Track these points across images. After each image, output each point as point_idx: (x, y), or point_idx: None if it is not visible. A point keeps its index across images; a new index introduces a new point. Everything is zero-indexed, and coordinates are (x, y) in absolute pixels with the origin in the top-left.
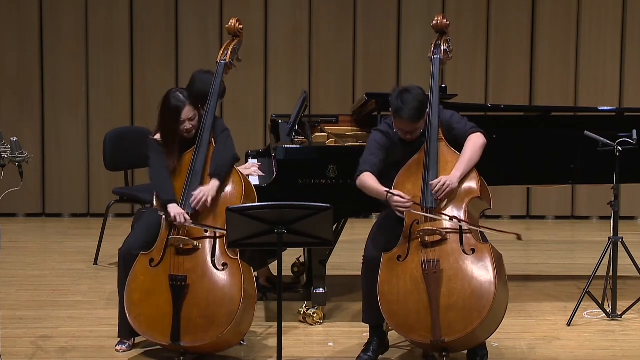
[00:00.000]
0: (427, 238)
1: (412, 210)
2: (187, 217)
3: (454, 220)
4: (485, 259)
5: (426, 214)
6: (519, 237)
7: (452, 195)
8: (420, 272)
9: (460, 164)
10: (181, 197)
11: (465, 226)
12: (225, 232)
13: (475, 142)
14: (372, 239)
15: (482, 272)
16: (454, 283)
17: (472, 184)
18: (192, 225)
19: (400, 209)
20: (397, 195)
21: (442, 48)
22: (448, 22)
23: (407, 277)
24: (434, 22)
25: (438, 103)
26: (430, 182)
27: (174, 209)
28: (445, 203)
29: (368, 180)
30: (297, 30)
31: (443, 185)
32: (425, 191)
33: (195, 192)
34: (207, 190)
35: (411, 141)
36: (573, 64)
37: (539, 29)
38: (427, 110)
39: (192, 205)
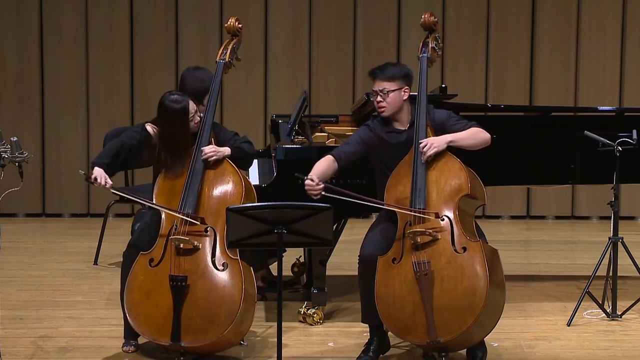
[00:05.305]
0: (418, 239)
1: (322, 192)
2: (109, 181)
3: (438, 216)
4: (477, 257)
5: (411, 212)
6: (436, 215)
7: (441, 195)
8: (413, 274)
9: (453, 135)
10: (181, 196)
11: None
12: (170, 211)
13: (476, 130)
14: (367, 239)
15: (473, 269)
16: (446, 283)
17: (459, 181)
18: (114, 191)
19: (312, 193)
20: (309, 179)
21: (430, 46)
22: (436, 19)
23: (402, 279)
24: (422, 19)
25: (426, 102)
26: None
27: (98, 171)
28: (435, 204)
29: (320, 161)
30: (297, 30)
31: (427, 146)
32: (414, 192)
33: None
34: (216, 147)
35: (399, 138)
36: (573, 64)
37: (539, 29)
38: (407, 85)
39: (201, 156)
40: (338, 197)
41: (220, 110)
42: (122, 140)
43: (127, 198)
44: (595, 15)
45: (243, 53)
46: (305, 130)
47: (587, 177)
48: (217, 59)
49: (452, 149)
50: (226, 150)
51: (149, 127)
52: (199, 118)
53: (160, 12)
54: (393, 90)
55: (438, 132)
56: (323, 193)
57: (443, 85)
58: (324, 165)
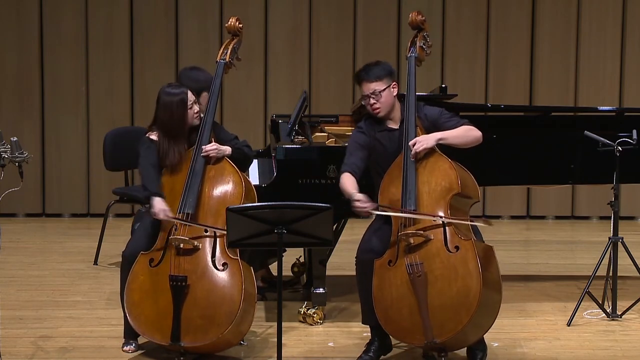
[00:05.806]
0: (412, 241)
1: (372, 211)
2: (170, 214)
3: (436, 217)
4: (469, 255)
5: (402, 214)
6: (487, 223)
7: (432, 195)
8: (407, 276)
9: (443, 132)
10: (181, 197)
11: (443, 220)
12: (218, 230)
13: (467, 127)
14: (364, 241)
15: (466, 269)
16: (440, 283)
17: (450, 180)
18: (174, 220)
19: (363, 213)
20: (357, 200)
21: (418, 45)
22: (424, 18)
23: (398, 282)
24: (409, 19)
25: (415, 102)
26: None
27: (157, 204)
28: (426, 204)
29: (344, 181)
30: (297, 29)
31: (417, 145)
32: (405, 194)
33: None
34: (218, 145)
35: (391, 137)
36: (573, 64)
37: (539, 29)
38: (394, 81)
39: (202, 153)
40: (388, 214)
41: (220, 110)
42: (149, 161)
43: (186, 224)
44: (595, 15)
45: (243, 53)
46: (305, 130)
47: (587, 177)
48: (218, 59)
49: (448, 148)
50: (227, 149)
51: (152, 136)
52: (197, 107)
53: (160, 12)
54: (383, 89)
55: (429, 130)
56: (375, 212)
57: (443, 85)
58: (351, 182)
